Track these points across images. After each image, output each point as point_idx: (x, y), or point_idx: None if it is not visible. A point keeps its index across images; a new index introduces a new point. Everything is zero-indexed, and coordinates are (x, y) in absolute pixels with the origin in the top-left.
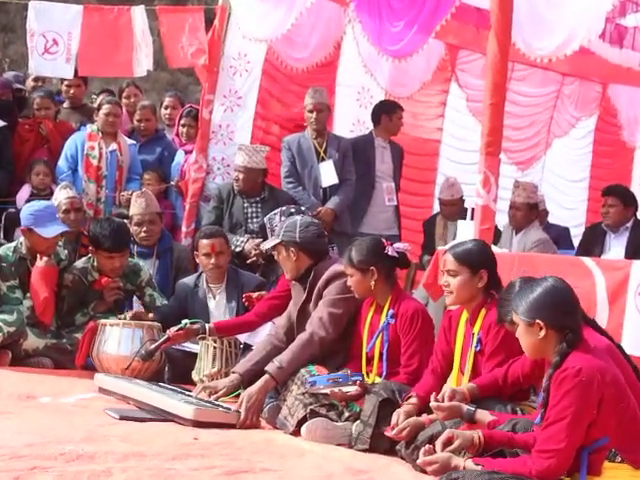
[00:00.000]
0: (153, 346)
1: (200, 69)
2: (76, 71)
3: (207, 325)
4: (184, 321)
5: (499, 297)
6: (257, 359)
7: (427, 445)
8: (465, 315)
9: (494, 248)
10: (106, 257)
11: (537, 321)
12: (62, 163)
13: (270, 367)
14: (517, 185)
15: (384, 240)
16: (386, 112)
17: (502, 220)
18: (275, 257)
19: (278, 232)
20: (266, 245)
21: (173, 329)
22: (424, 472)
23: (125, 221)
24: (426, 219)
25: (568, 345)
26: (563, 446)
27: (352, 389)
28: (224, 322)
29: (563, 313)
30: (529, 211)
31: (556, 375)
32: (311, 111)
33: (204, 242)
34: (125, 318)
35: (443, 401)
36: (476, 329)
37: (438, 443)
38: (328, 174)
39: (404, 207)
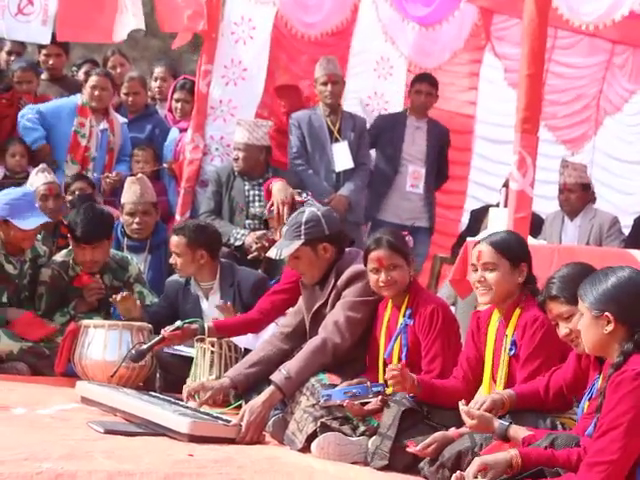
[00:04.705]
0: (145, 346)
1: (182, 36)
2: (53, 36)
3: (206, 325)
4: (179, 322)
5: (550, 276)
6: (254, 361)
7: (458, 472)
8: (497, 315)
9: (532, 240)
10: (77, 247)
11: (606, 314)
12: (31, 107)
13: (277, 377)
14: (566, 165)
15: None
16: (411, 86)
17: (546, 207)
18: (289, 264)
19: (294, 232)
20: (284, 252)
21: (168, 329)
22: None
23: (110, 210)
24: (476, 208)
25: (635, 345)
26: (616, 458)
27: (372, 401)
28: (224, 321)
29: (638, 309)
30: (583, 192)
31: (613, 378)
32: (324, 83)
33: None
34: (114, 301)
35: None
36: (510, 331)
37: (468, 475)
38: (342, 157)
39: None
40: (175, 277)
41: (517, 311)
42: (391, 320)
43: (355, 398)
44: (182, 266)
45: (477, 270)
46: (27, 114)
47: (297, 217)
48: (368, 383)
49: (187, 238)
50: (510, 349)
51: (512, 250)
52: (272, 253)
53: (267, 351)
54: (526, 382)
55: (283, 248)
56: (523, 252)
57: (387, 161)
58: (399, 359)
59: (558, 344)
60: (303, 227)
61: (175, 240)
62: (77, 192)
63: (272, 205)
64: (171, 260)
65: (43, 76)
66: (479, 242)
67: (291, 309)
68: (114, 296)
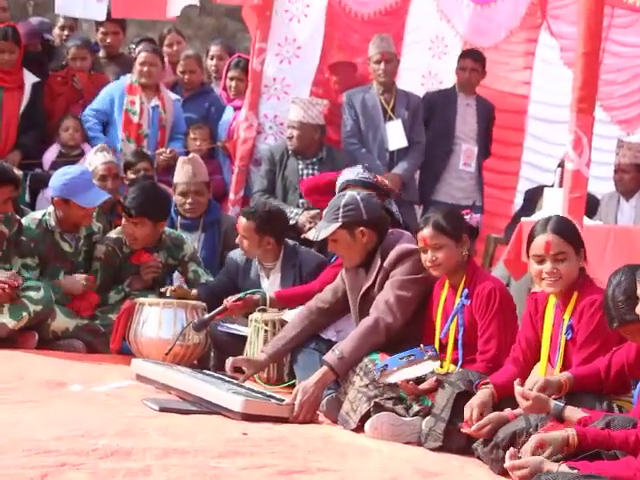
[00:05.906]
0: (207, 316)
1: (247, 12)
2: (109, 13)
3: (267, 295)
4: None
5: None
6: (291, 336)
7: (512, 448)
8: (553, 299)
9: (587, 221)
10: (123, 219)
11: None
12: (87, 112)
13: (329, 357)
14: (621, 145)
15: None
16: (457, 63)
17: (601, 188)
18: (329, 246)
19: (332, 215)
20: (322, 234)
21: (231, 299)
22: (504, 474)
23: (168, 190)
24: (530, 188)
25: None
26: None
27: (426, 370)
28: (286, 291)
29: None
30: (638, 173)
31: None
32: (378, 62)
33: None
34: (165, 293)
35: (531, 390)
36: (567, 315)
37: (526, 451)
38: (396, 135)
39: (486, 172)
40: (236, 253)
41: (575, 295)
42: (448, 300)
43: (411, 362)
44: (248, 248)
45: (544, 261)
46: (85, 122)
47: (337, 200)
48: (421, 346)
49: (256, 224)
50: (567, 333)
51: (576, 236)
52: (311, 235)
53: (304, 326)
54: (583, 365)
55: (321, 230)
56: (580, 236)
57: (441, 139)
58: (455, 339)
59: None
60: (341, 210)
61: (244, 223)
62: (142, 172)
63: None
64: (237, 240)
65: (100, 54)
66: (538, 233)
67: (329, 285)
68: (164, 289)
